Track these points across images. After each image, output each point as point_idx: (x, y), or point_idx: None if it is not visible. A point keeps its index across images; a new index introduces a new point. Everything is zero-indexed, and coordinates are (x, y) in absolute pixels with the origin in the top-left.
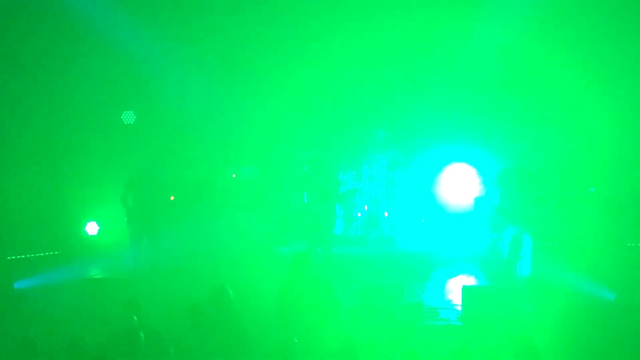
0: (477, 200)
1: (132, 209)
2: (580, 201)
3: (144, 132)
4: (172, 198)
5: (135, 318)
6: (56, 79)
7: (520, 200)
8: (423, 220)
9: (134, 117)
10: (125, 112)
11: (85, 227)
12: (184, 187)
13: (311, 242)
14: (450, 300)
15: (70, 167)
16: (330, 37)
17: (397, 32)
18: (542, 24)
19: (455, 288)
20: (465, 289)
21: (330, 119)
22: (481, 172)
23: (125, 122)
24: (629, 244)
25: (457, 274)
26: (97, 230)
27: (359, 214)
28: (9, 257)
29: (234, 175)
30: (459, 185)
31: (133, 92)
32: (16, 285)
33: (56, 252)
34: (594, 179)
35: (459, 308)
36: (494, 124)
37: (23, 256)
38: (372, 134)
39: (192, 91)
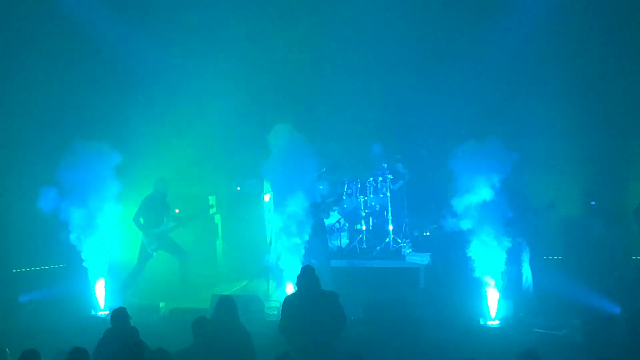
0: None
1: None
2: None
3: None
4: (176, 211)
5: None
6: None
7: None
8: (428, 234)
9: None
10: None
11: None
12: (188, 200)
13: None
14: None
15: None
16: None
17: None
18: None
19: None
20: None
21: (333, 131)
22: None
23: None
24: (634, 257)
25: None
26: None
27: (364, 227)
28: (14, 270)
29: (238, 188)
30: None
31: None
32: (21, 299)
33: (61, 265)
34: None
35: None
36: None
37: (28, 269)
38: (370, 148)
39: (198, 102)
